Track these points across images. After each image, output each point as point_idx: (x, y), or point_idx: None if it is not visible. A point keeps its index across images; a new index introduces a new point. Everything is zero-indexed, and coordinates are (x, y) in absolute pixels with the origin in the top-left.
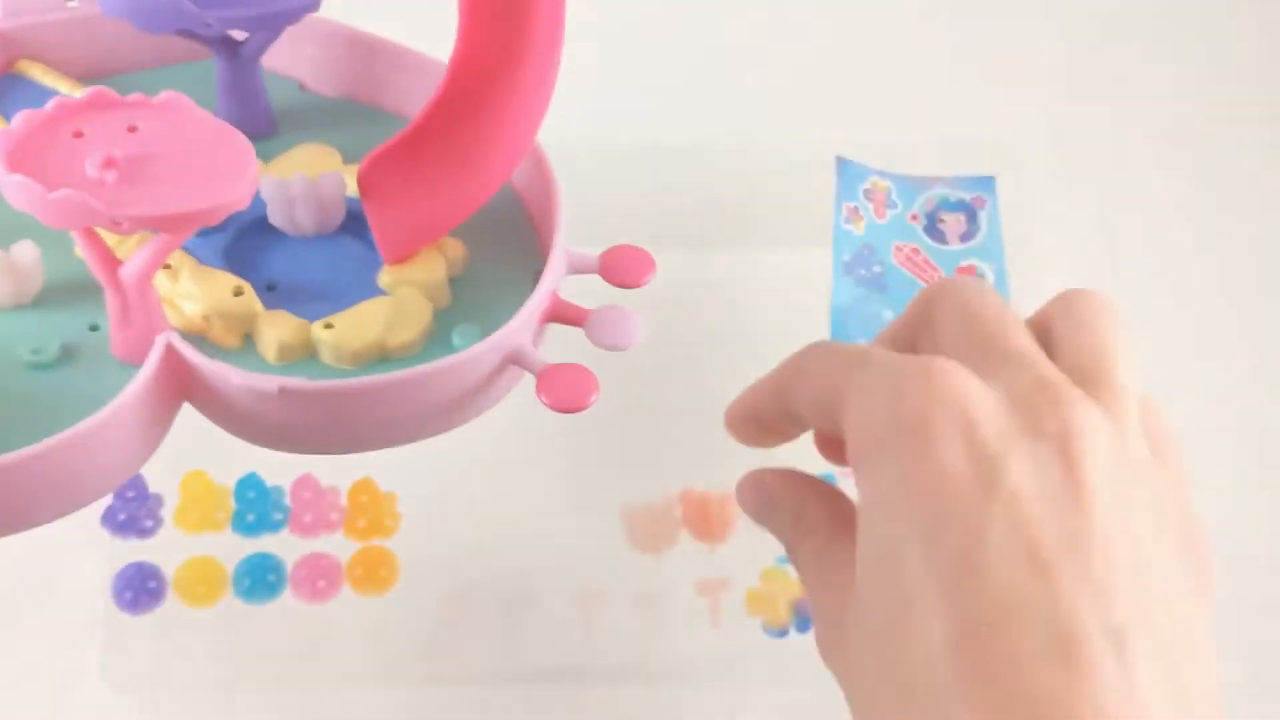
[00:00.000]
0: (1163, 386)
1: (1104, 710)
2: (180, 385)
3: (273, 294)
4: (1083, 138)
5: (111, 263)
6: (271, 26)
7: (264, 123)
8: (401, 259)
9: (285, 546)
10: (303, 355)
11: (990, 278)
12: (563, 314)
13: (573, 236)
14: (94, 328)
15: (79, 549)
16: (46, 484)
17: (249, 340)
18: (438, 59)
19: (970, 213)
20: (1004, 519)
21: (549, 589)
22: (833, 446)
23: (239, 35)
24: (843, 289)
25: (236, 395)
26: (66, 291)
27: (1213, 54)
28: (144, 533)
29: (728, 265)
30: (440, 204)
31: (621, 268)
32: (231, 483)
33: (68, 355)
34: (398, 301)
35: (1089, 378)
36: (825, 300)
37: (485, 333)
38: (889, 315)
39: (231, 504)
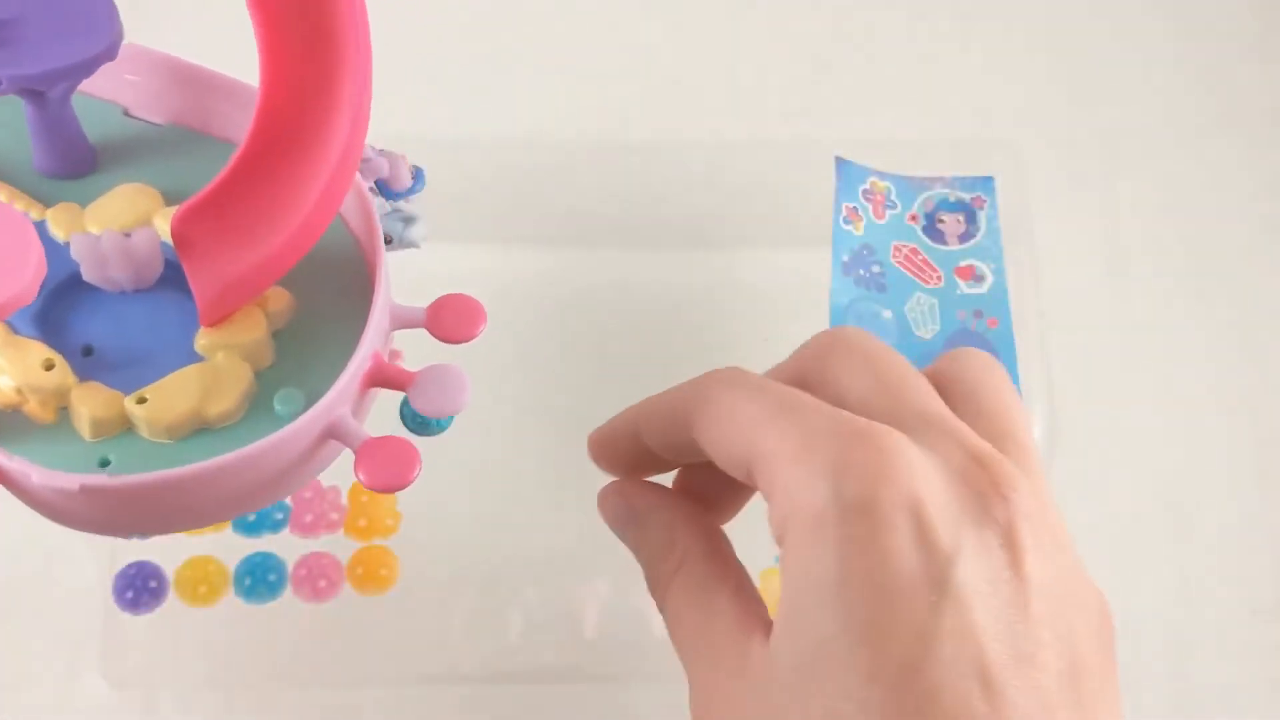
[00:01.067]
0: (1164, 387)
1: None
2: None
3: (89, 360)
4: (1082, 138)
5: None
6: (67, 79)
7: (82, 161)
8: (221, 319)
9: (286, 546)
10: (120, 429)
11: (989, 278)
12: (385, 378)
13: (571, 236)
14: None
15: (79, 549)
16: None
17: (65, 414)
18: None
19: (969, 213)
20: (954, 629)
21: (550, 588)
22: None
23: (40, 87)
24: (842, 289)
25: (41, 492)
26: None
27: (1213, 54)
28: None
29: (726, 265)
30: (261, 255)
31: (449, 321)
32: None
33: None
34: (214, 368)
35: (1000, 441)
36: (824, 300)
37: (310, 396)
38: (887, 315)
39: None
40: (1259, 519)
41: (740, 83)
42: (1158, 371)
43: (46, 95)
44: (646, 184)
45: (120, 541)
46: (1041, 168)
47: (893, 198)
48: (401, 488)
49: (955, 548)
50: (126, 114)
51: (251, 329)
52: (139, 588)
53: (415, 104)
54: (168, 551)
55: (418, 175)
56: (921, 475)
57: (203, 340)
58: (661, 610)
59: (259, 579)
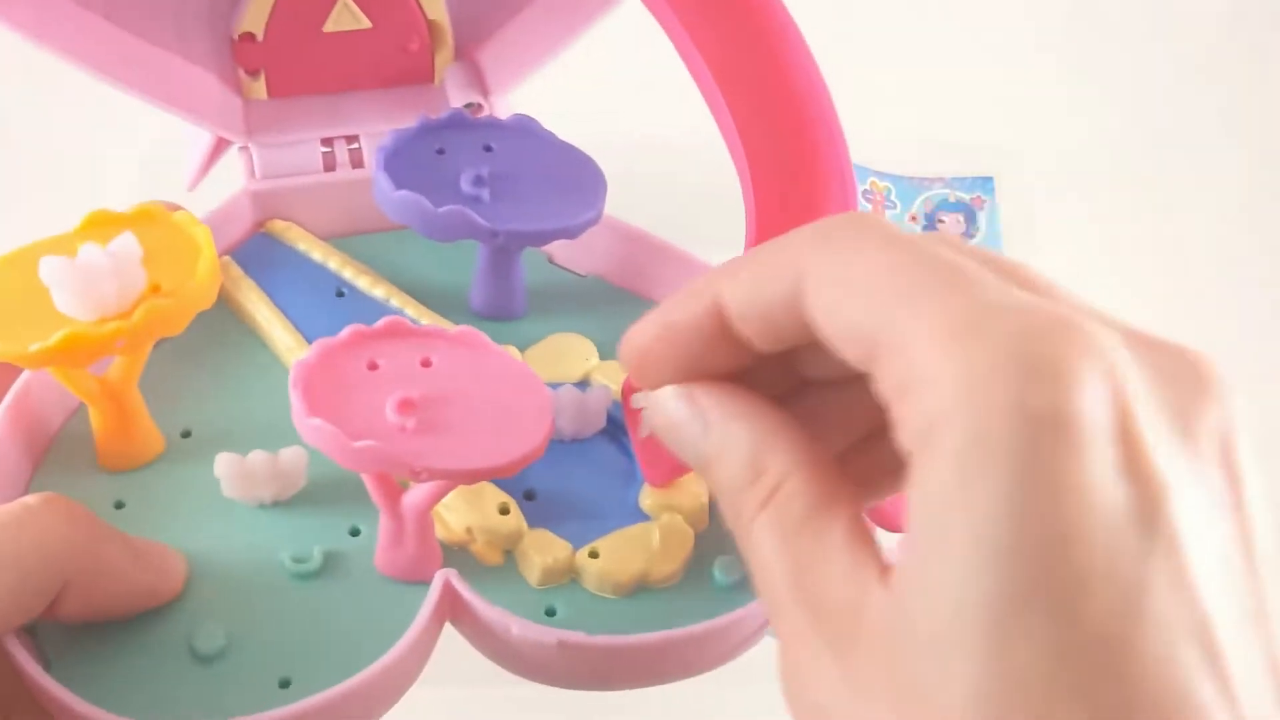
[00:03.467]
0: None
1: None
2: (448, 611)
3: (531, 504)
4: (1081, 138)
5: (395, 491)
6: (553, 239)
7: (518, 306)
8: (668, 481)
9: None
10: (565, 579)
11: None
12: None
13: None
14: (355, 532)
15: None
16: None
17: (510, 557)
18: (693, 255)
19: (969, 213)
20: (1168, 584)
21: None
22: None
23: (531, 245)
24: None
25: (515, 643)
26: (328, 492)
27: (1211, 56)
28: None
29: None
30: None
31: None
32: None
33: (330, 564)
34: (662, 530)
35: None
36: None
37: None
38: None
39: None
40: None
41: None
42: None
43: (508, 245)
44: (647, 183)
45: None
46: (1041, 167)
47: (892, 198)
48: None
49: (1168, 474)
50: (550, 261)
51: (697, 494)
52: None
53: None
54: None
55: None
56: (1131, 378)
57: (648, 500)
58: (743, 549)
59: None
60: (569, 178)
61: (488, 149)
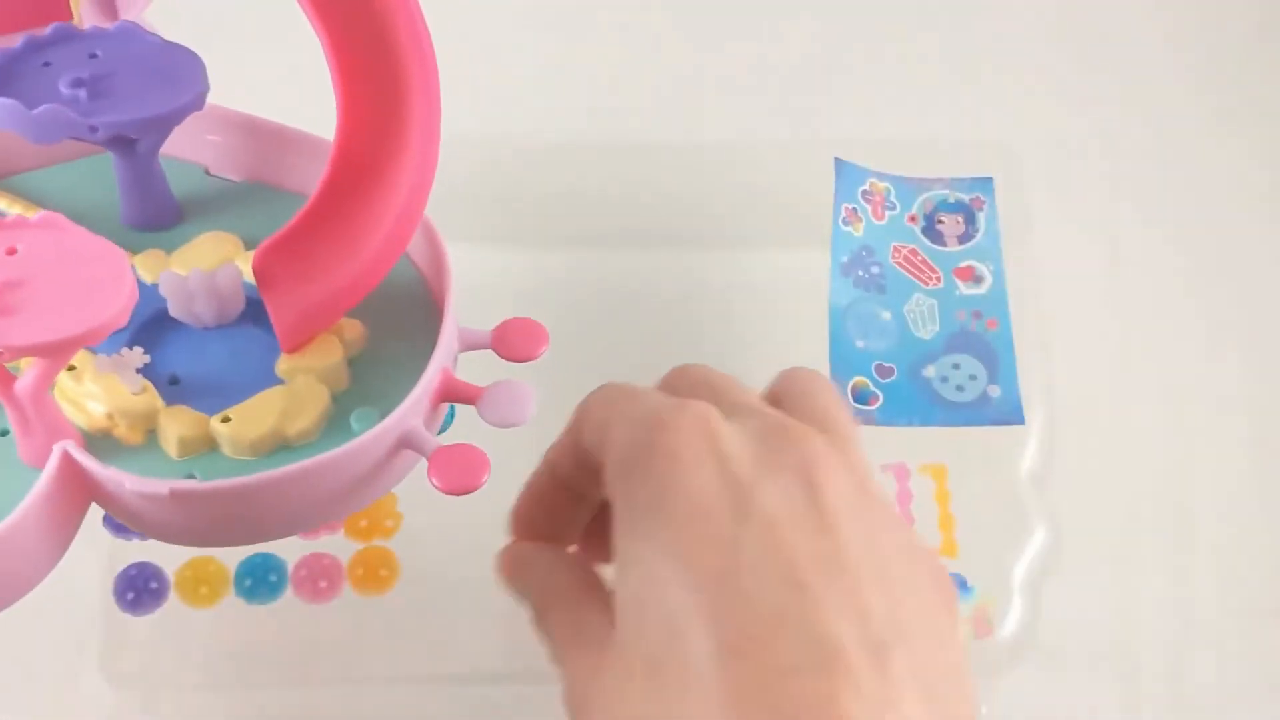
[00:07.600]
0: (1164, 387)
1: (865, 716)
2: (84, 488)
3: (176, 388)
4: (1081, 139)
5: (5, 378)
6: (158, 128)
7: (168, 214)
8: (299, 346)
9: (286, 547)
10: (204, 448)
11: (989, 278)
12: (455, 393)
13: (570, 237)
14: (3, 432)
15: (80, 549)
16: None
17: (153, 436)
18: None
19: (968, 214)
20: (759, 541)
21: None
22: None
23: (132, 134)
24: (841, 290)
25: (132, 499)
26: None
27: (1210, 55)
28: None
29: (726, 267)
30: (336, 287)
31: (513, 342)
32: None
33: None
34: (294, 390)
35: (819, 426)
36: (823, 302)
37: (384, 415)
38: (886, 316)
39: None
40: (1259, 519)
41: (740, 84)
42: (1157, 372)
43: (136, 148)
44: (646, 185)
45: (120, 542)
46: (1040, 168)
47: (892, 198)
48: (473, 490)
49: (753, 481)
50: (207, 173)
51: (328, 354)
52: (140, 589)
53: None
54: (169, 552)
55: None
56: (725, 432)
57: (283, 365)
58: (544, 633)
59: (259, 580)
60: (168, 70)
61: (93, 56)
